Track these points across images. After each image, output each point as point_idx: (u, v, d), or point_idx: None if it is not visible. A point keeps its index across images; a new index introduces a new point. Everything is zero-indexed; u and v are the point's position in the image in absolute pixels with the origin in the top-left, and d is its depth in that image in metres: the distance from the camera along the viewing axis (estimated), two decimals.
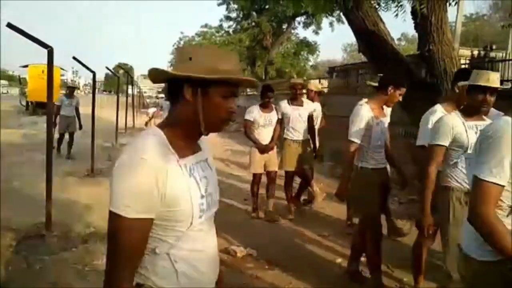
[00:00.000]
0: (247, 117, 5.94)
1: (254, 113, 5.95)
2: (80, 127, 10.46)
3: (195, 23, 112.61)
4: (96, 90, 9.83)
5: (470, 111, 2.96)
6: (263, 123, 5.93)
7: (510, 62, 9.43)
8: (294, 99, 6.10)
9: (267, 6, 26.53)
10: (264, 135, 5.93)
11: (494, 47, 9.96)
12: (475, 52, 10.17)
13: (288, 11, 19.07)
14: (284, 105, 6.06)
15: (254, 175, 6.12)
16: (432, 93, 4.84)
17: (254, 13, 28.75)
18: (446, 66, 5.19)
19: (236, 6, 29.60)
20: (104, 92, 76.15)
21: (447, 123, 2.97)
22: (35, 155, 9.09)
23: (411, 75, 5.55)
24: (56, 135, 9.16)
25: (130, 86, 23.34)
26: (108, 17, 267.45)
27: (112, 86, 59.20)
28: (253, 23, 28.78)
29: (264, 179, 6.18)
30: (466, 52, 10.90)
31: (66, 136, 10.44)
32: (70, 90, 10.67)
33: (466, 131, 2.93)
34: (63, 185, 7.02)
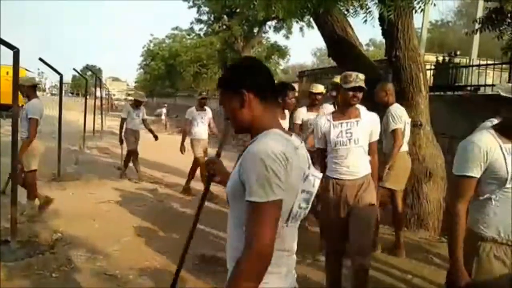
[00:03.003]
0: (297, 120, 4.60)
1: (306, 115, 4.64)
2: (156, 138, 9.37)
3: (165, 25, 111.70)
4: (63, 92, 9.59)
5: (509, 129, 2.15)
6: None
7: (474, 68, 9.75)
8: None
9: (238, 10, 26.57)
10: None
11: (458, 53, 10.26)
12: (440, 58, 10.46)
13: (259, 15, 19.14)
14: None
15: None
16: (398, 98, 4.96)
17: (225, 16, 28.74)
18: (412, 71, 5.33)
19: (207, 9, 29.60)
20: (71, 94, 74.65)
21: (478, 146, 2.12)
22: None
23: (379, 80, 5.67)
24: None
25: (98, 89, 22.99)
26: (76, 18, 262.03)
27: (79, 88, 58.01)
28: (224, 26, 28.76)
29: None
30: (431, 58, 11.17)
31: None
32: (137, 102, 9.41)
33: (504, 157, 2.11)
34: None
